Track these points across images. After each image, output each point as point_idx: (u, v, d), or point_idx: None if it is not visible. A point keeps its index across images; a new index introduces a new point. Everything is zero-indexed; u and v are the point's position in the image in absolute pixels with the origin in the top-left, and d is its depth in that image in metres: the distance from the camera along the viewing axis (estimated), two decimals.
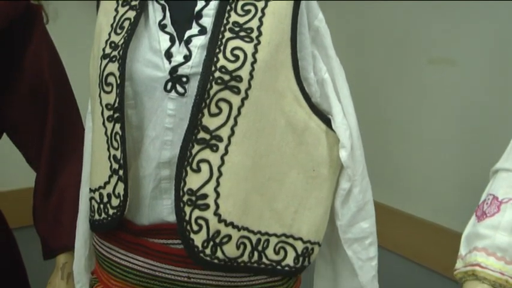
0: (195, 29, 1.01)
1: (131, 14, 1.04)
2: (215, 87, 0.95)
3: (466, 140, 1.84)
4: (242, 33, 0.98)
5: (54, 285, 1.36)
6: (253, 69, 0.97)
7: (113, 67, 1.02)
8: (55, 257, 1.37)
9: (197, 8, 1.02)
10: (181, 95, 0.99)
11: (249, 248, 1.03)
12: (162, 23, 1.03)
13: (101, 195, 1.08)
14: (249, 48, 0.97)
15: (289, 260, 1.08)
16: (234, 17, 0.99)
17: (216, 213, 0.98)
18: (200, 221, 0.98)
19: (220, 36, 0.97)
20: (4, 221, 1.39)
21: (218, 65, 0.95)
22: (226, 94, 0.96)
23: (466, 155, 1.85)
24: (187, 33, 1.01)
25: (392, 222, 2.06)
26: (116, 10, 1.08)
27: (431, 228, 1.98)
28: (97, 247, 1.15)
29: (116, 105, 1.01)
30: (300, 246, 1.08)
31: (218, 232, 0.99)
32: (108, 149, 1.05)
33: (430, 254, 2.02)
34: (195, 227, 0.98)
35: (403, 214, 2.11)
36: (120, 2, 1.08)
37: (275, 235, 1.06)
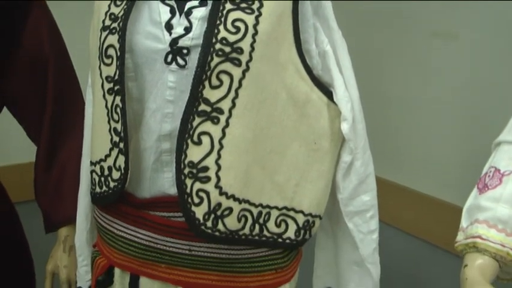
0: (195, 0, 1.00)
1: None
2: (216, 59, 0.94)
3: (468, 114, 1.83)
4: (243, 5, 0.97)
5: (56, 258, 1.36)
6: (254, 41, 0.96)
7: (113, 39, 1.01)
8: (57, 230, 1.38)
9: None
10: (182, 67, 0.99)
11: (250, 220, 1.03)
12: None
13: (101, 168, 1.08)
14: (250, 19, 0.96)
15: (290, 233, 1.08)
16: None
17: (217, 186, 0.98)
18: (201, 194, 0.98)
19: (221, 8, 0.96)
20: (6, 195, 1.40)
21: (219, 37, 0.95)
22: (227, 66, 0.95)
23: (468, 130, 1.84)
24: (188, 5, 1.00)
25: (393, 196, 2.06)
26: None
27: (432, 202, 1.98)
28: (98, 220, 1.15)
29: (116, 77, 1.01)
30: (301, 219, 1.08)
31: (219, 205, 0.99)
32: (109, 122, 1.04)
33: (431, 229, 2.02)
34: (196, 200, 0.98)
35: (404, 189, 2.11)
36: None
37: (276, 208, 1.06)
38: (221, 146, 0.97)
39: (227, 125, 0.97)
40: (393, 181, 2.13)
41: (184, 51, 0.98)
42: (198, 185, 0.98)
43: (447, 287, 2.04)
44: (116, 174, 1.05)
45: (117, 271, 1.12)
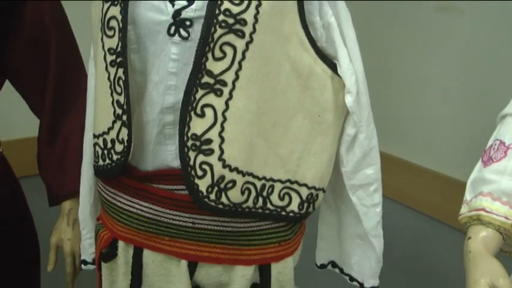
0: None
1: None
2: (219, 31, 0.93)
3: (472, 90, 1.82)
4: None
5: (60, 231, 1.37)
6: (258, 12, 0.95)
7: (115, 10, 1.00)
8: (60, 203, 1.38)
9: None
10: (185, 39, 0.98)
11: (253, 193, 1.03)
12: None
13: (104, 140, 1.07)
14: None
15: (294, 206, 1.08)
16: None
17: (220, 159, 0.98)
18: (204, 166, 0.98)
19: None
20: (10, 170, 1.40)
21: (222, 8, 0.93)
22: (231, 38, 0.94)
23: (472, 103, 1.83)
24: None
25: (396, 171, 2.06)
26: None
27: (436, 177, 1.98)
28: (102, 193, 1.15)
29: (119, 49, 1.00)
30: (304, 192, 1.08)
31: (223, 177, 0.98)
32: (111, 94, 1.04)
33: (434, 203, 2.03)
34: (200, 172, 0.98)
35: (407, 163, 2.11)
36: None
37: (280, 181, 1.05)
38: (224, 119, 0.97)
39: (230, 97, 0.96)
40: (396, 156, 2.13)
41: (187, 22, 0.97)
42: (201, 158, 0.97)
43: (450, 261, 2.05)
44: (119, 147, 1.05)
45: (120, 244, 1.12)
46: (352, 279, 1.26)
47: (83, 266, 1.33)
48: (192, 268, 1.08)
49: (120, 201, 1.10)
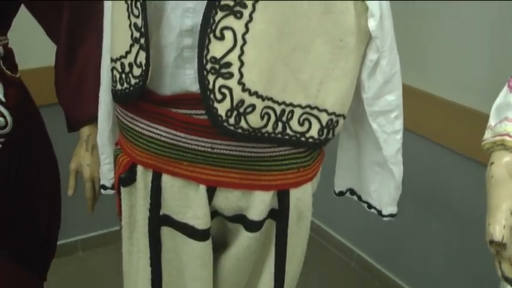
0: None
1: None
2: None
3: (497, 20, 1.77)
4: None
5: (79, 157, 1.38)
6: None
7: None
8: (79, 129, 1.38)
9: None
10: None
11: (273, 118, 1.01)
12: None
13: (122, 64, 1.06)
14: None
15: (314, 132, 1.07)
16: None
17: (240, 82, 0.96)
18: (224, 90, 0.96)
19: None
20: (29, 97, 1.39)
21: None
22: None
23: (496, 34, 1.79)
24: None
25: (416, 103, 2.03)
26: None
27: (457, 109, 1.96)
28: (120, 118, 1.14)
29: None
30: (324, 118, 1.07)
31: (242, 101, 0.97)
32: (129, 17, 1.02)
33: (454, 135, 2.01)
34: (219, 96, 0.97)
35: (427, 95, 2.08)
36: None
37: (299, 106, 1.04)
38: (244, 42, 0.95)
39: (250, 19, 0.94)
40: (416, 87, 2.10)
41: None
42: (220, 81, 0.96)
43: (468, 193, 2.05)
44: (136, 71, 1.03)
45: (139, 168, 1.12)
46: (370, 206, 1.26)
47: (102, 191, 1.34)
48: (210, 193, 1.08)
49: (138, 126, 1.10)
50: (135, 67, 1.03)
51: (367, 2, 1.03)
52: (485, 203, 0.94)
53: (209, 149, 1.04)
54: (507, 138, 0.95)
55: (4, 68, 1.26)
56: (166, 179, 1.09)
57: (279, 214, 1.11)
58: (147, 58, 1.00)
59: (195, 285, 1.15)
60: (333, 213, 2.82)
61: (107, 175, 1.31)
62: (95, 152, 1.35)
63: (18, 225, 1.34)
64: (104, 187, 1.33)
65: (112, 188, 1.31)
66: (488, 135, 1.01)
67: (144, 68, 1.01)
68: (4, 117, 1.24)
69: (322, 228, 2.92)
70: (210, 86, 0.96)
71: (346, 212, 2.75)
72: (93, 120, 1.33)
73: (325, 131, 1.08)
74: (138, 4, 0.99)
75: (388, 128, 1.14)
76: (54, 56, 1.38)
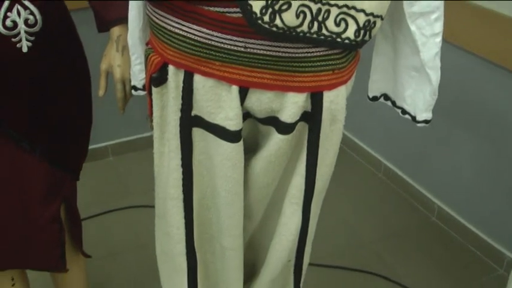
0: None
1: None
2: None
3: None
4: None
5: (110, 57, 1.36)
6: None
7: None
8: (109, 29, 1.36)
9: None
10: None
11: (308, 17, 0.98)
12: None
13: None
14: None
15: (350, 33, 1.03)
16: None
17: None
18: None
19: None
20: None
21: None
22: None
23: None
24: None
25: (453, 11, 1.96)
26: None
27: (495, 18, 1.89)
28: (151, 16, 1.12)
29: None
30: (361, 18, 1.03)
31: None
32: None
33: (491, 45, 1.95)
34: None
35: (465, 3, 2.01)
36: None
37: (336, 6, 1.00)
38: None
39: None
40: None
41: None
42: None
43: (502, 106, 2.01)
44: None
45: (171, 68, 1.10)
46: (404, 112, 1.24)
47: (133, 91, 1.34)
48: (243, 94, 1.07)
49: (170, 25, 1.07)
50: None
51: None
52: None
53: (242, 49, 1.01)
54: None
55: None
56: (198, 79, 1.08)
57: (312, 117, 1.09)
58: None
59: (226, 186, 1.15)
60: (361, 124, 2.81)
61: (138, 76, 1.29)
62: (126, 52, 1.33)
63: (49, 125, 1.34)
64: (135, 88, 1.32)
65: (143, 89, 1.30)
66: None
67: None
68: (34, 15, 1.23)
69: (351, 138, 2.91)
70: None
71: (374, 123, 2.73)
72: (123, 20, 1.30)
73: (362, 32, 1.04)
74: None
75: (427, 31, 1.10)
76: None
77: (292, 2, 0.95)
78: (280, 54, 1.01)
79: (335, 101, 1.09)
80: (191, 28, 1.04)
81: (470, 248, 2.34)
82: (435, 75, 1.14)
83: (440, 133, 2.35)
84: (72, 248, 1.55)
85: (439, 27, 1.10)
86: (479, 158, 2.22)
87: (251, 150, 1.17)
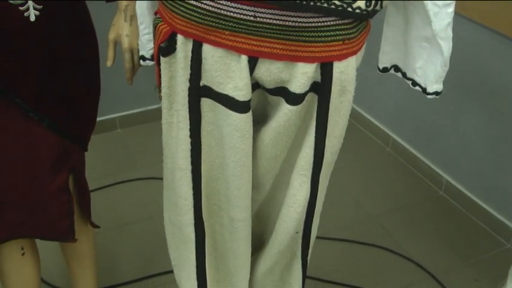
0: None
1: None
2: None
3: None
4: None
5: (118, 27, 1.35)
6: None
7: None
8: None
9: None
10: None
11: None
12: None
13: None
14: None
15: (361, 3, 1.01)
16: None
17: None
18: None
19: None
20: None
21: None
22: None
23: None
24: None
25: None
26: None
27: None
28: None
29: None
30: None
31: None
32: None
33: (502, 17, 1.93)
34: None
35: None
36: None
37: None
38: None
39: None
40: None
41: None
42: None
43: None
44: None
45: (179, 38, 1.09)
46: (414, 83, 1.23)
47: (141, 62, 1.33)
48: (252, 64, 1.06)
49: None
50: None
51: None
52: None
53: (252, 18, 1.00)
54: None
55: None
56: (206, 48, 1.07)
57: (322, 88, 1.08)
58: None
59: (234, 157, 1.15)
60: (370, 98, 2.79)
61: (146, 45, 1.28)
62: (134, 22, 1.32)
63: (57, 94, 1.34)
64: (143, 58, 1.31)
65: (151, 59, 1.29)
66: None
67: None
68: None
69: (359, 112, 2.90)
70: None
71: (383, 97, 2.71)
72: None
73: (373, 2, 1.03)
74: None
75: (439, 0, 1.08)
76: None
77: None
78: (290, 23, 1.00)
79: (345, 71, 1.08)
80: None
81: (477, 223, 2.34)
82: (447, 46, 1.13)
83: (449, 107, 2.33)
84: (80, 219, 1.56)
85: None
86: (489, 132, 2.20)
87: (260, 121, 1.17)
